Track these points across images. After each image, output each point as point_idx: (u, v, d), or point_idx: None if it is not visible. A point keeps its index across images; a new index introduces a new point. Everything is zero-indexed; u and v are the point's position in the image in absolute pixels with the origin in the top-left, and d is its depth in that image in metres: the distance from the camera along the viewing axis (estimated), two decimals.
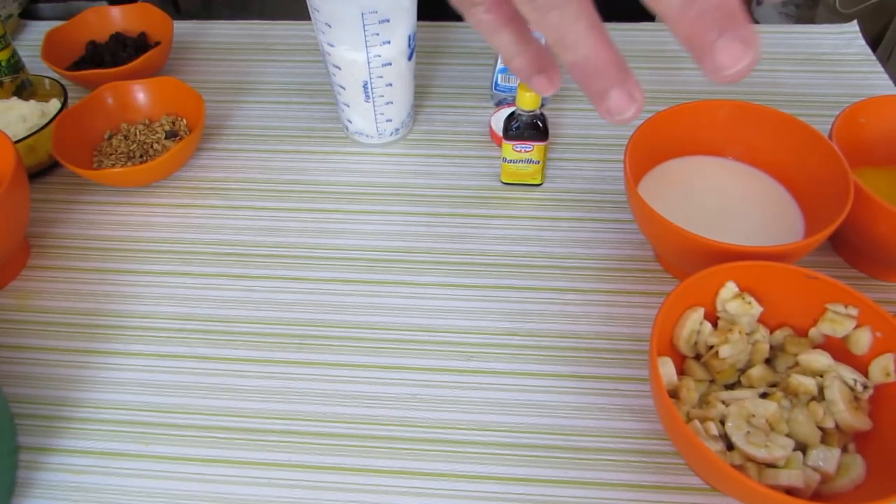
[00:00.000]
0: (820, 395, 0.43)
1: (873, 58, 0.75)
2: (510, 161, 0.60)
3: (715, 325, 0.47)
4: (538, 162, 0.60)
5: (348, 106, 0.64)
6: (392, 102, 0.64)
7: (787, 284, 0.45)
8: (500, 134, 0.65)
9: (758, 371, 0.44)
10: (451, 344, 0.51)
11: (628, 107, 0.26)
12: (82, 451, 0.47)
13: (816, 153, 0.52)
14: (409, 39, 0.60)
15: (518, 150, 0.58)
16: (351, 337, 0.52)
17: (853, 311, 0.43)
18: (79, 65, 0.75)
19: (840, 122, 0.53)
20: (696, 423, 0.41)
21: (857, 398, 0.42)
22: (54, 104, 0.67)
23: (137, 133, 0.66)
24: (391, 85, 0.62)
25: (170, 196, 0.64)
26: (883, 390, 0.42)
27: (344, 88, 0.63)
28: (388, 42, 0.58)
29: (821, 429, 0.42)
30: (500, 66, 0.67)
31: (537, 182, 0.62)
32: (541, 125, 0.57)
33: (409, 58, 0.62)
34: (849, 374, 0.42)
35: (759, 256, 0.45)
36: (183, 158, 0.63)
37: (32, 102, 0.67)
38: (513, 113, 0.58)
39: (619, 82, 0.26)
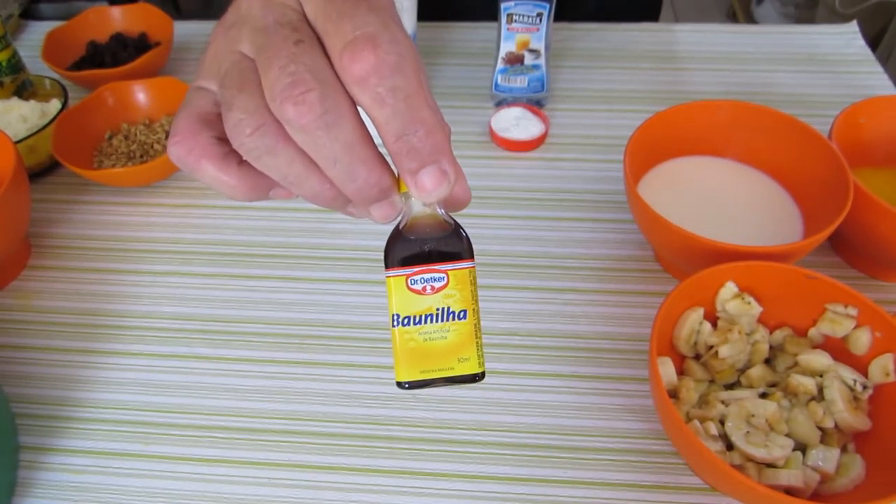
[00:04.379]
0: (819, 395, 0.43)
1: (873, 58, 0.75)
2: (405, 322, 0.28)
3: (715, 325, 0.47)
4: (464, 315, 0.28)
5: None
6: None
7: (787, 284, 0.45)
8: (501, 135, 0.65)
9: (757, 371, 0.44)
10: None
11: (383, 215, 0.27)
12: (82, 450, 0.47)
13: (816, 153, 0.52)
14: None
15: (418, 286, 0.28)
16: (351, 337, 0.52)
17: (853, 311, 0.43)
18: (79, 65, 0.75)
19: (840, 122, 0.53)
20: (696, 423, 0.41)
21: (856, 398, 0.42)
22: (55, 104, 0.67)
23: (138, 133, 0.66)
24: None
25: (170, 196, 0.64)
26: (882, 390, 0.42)
27: None
28: None
29: (820, 429, 0.42)
30: (500, 66, 0.67)
31: (474, 371, 0.29)
32: (452, 226, 0.30)
33: None
34: (848, 374, 0.42)
35: (758, 256, 0.45)
36: None
37: (33, 102, 0.67)
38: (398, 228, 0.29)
39: (354, 202, 0.26)
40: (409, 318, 0.28)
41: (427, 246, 0.28)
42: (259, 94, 0.24)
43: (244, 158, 0.26)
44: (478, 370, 0.29)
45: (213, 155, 0.26)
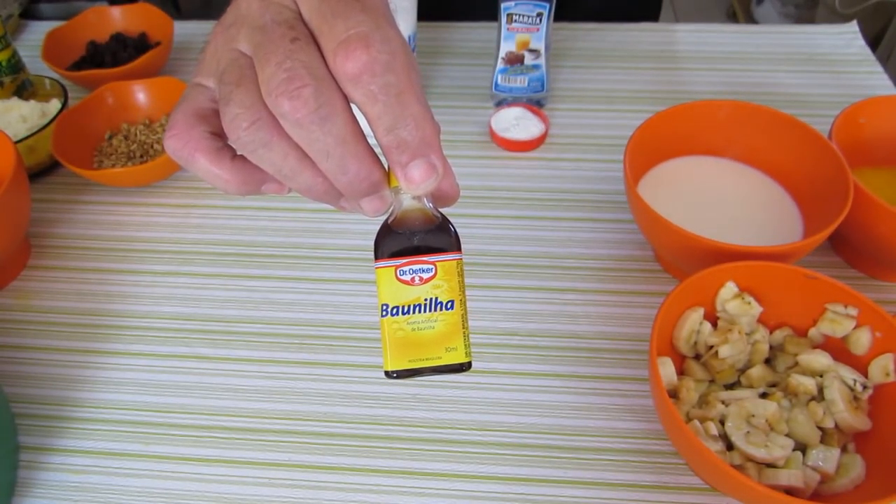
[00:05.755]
0: (820, 395, 0.43)
1: (873, 58, 0.75)
2: (394, 312, 0.29)
3: (715, 325, 0.47)
4: (451, 306, 0.29)
5: None
6: None
7: (787, 284, 0.45)
8: (501, 135, 0.65)
9: (757, 371, 0.44)
10: None
11: (372, 210, 0.28)
12: (82, 450, 0.47)
13: (816, 153, 0.52)
14: (410, 39, 0.61)
15: (407, 276, 0.28)
16: (351, 337, 0.52)
17: (853, 311, 0.43)
18: (79, 65, 0.75)
19: (840, 122, 0.53)
20: (696, 423, 0.41)
21: (856, 398, 0.42)
22: (54, 104, 0.67)
23: (138, 133, 0.66)
24: None
25: (170, 196, 0.64)
26: (883, 390, 0.42)
27: None
28: None
29: (820, 429, 0.42)
30: (500, 66, 0.67)
31: (461, 360, 0.29)
32: (440, 220, 0.29)
33: None
34: (848, 374, 0.42)
35: (758, 256, 0.45)
36: None
37: (33, 102, 0.67)
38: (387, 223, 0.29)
39: (346, 196, 0.27)
40: (397, 308, 0.28)
41: (416, 239, 0.28)
42: (256, 90, 0.24)
43: (240, 152, 0.26)
44: (465, 360, 0.29)
45: (207, 149, 0.26)
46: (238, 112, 0.24)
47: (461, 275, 0.29)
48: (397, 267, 0.28)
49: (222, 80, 0.25)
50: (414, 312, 0.29)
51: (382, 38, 0.23)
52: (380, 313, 0.29)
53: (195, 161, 0.27)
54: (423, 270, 0.28)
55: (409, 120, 0.24)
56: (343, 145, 0.24)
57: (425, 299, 0.28)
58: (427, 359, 0.29)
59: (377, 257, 0.29)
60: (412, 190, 0.26)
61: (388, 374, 0.29)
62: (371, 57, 0.23)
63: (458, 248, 0.29)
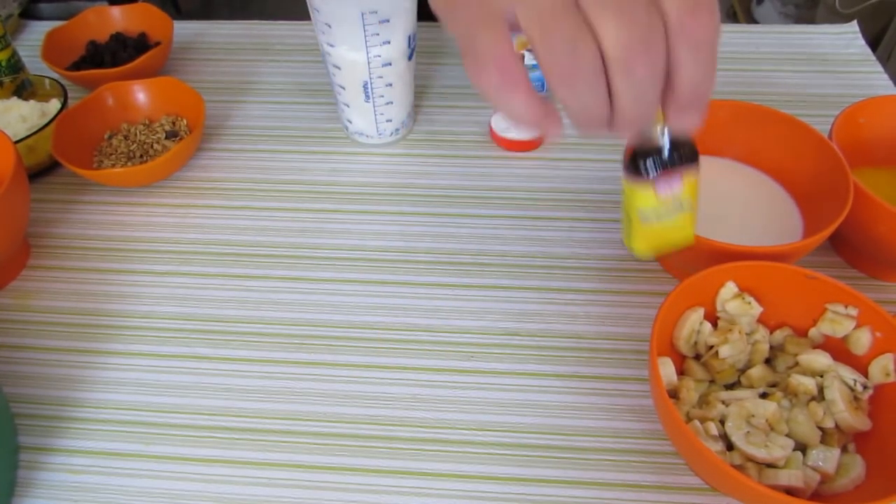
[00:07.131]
0: (820, 395, 0.43)
1: (873, 58, 0.75)
2: (651, 217, 0.35)
3: (715, 325, 0.47)
4: (689, 207, 0.36)
5: (348, 106, 0.64)
6: (392, 102, 0.64)
7: (787, 284, 0.45)
8: (501, 135, 0.65)
9: (757, 371, 0.44)
10: (451, 344, 0.51)
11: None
12: (82, 451, 0.47)
13: (816, 153, 0.52)
14: (410, 39, 0.61)
15: (664, 191, 0.35)
16: (351, 337, 0.52)
17: (853, 311, 0.43)
18: (79, 65, 0.75)
19: (840, 122, 0.53)
20: (696, 423, 0.41)
21: (856, 398, 0.42)
22: (54, 104, 0.67)
23: (137, 133, 0.66)
24: (391, 85, 0.62)
25: (170, 196, 0.64)
26: (883, 390, 0.42)
27: (344, 88, 0.63)
28: (388, 42, 0.58)
29: (820, 429, 0.42)
30: None
31: (689, 236, 0.38)
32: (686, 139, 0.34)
33: (410, 58, 0.62)
34: (848, 374, 0.42)
35: (758, 256, 0.45)
36: (183, 158, 0.63)
37: (32, 102, 0.67)
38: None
39: (623, 127, 0.31)
40: (652, 210, 0.36)
41: (674, 157, 0.34)
42: (594, 42, 0.27)
43: (556, 91, 0.29)
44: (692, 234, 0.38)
45: (528, 88, 0.30)
46: (582, 64, 0.27)
47: (696, 178, 0.35)
48: (657, 187, 0.34)
49: (551, 30, 0.27)
50: (667, 213, 0.36)
51: (717, 5, 0.28)
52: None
53: (513, 97, 0.30)
54: (674, 183, 0.35)
55: (711, 80, 0.29)
56: (655, 93, 0.28)
57: (674, 203, 0.35)
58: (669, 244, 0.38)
59: (647, 175, 0.34)
60: (681, 130, 0.30)
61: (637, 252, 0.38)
62: (715, 22, 0.27)
63: (697, 158, 0.35)
